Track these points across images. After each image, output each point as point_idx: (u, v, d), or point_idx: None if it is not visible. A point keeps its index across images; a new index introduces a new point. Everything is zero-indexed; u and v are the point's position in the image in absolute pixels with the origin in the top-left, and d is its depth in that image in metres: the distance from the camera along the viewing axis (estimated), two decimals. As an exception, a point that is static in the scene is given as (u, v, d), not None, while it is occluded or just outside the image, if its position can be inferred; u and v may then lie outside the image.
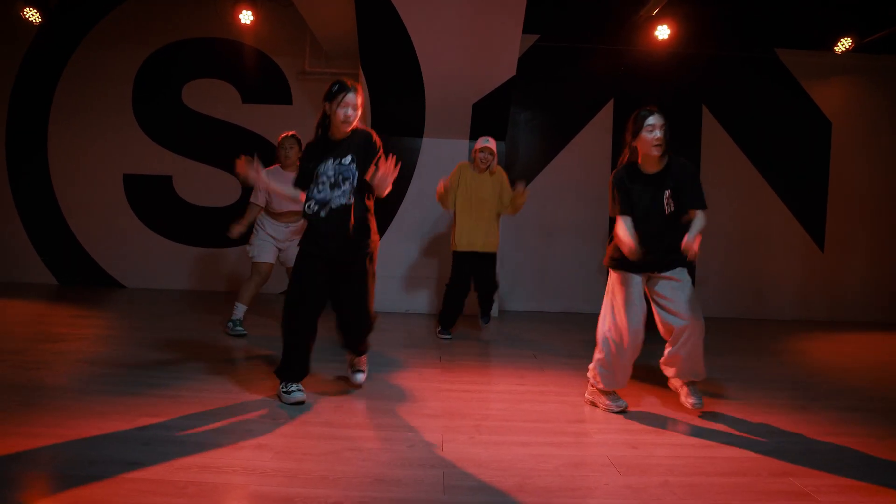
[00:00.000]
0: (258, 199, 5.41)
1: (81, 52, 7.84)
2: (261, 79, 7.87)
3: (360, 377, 3.95)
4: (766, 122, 7.51)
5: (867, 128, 7.60)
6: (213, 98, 7.84)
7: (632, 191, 3.52)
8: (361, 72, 6.44)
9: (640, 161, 3.55)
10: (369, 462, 2.74)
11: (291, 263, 5.60)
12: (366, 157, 3.54)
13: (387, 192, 3.50)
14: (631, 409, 3.72)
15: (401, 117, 6.78)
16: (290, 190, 3.71)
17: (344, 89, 3.55)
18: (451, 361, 4.75)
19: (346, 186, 3.53)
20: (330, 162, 3.54)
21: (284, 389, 3.55)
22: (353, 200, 3.54)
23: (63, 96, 7.86)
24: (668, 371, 3.75)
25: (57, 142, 7.89)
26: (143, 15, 7.81)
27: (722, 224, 7.53)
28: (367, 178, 3.48)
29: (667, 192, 3.48)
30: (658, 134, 3.42)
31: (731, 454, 3.04)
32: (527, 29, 6.96)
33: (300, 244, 3.69)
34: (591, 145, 7.52)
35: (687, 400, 3.65)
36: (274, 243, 5.48)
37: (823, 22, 7.05)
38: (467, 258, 5.55)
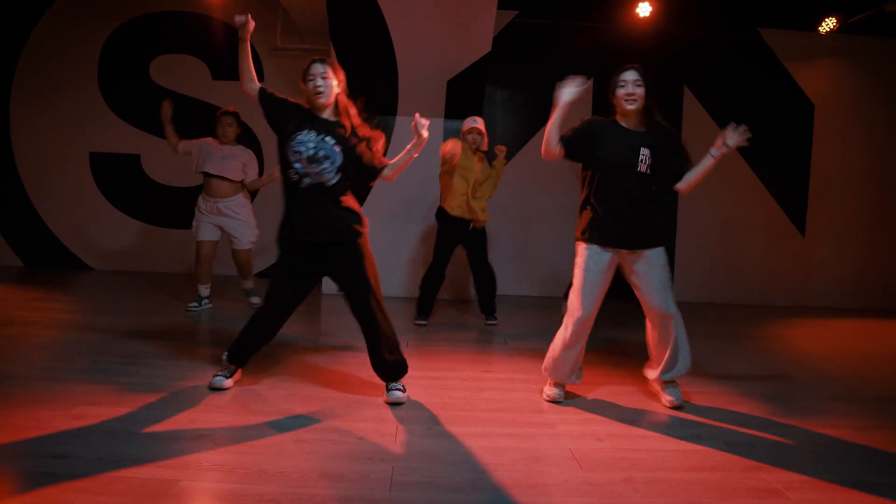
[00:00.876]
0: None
1: (44, 26, 7.54)
2: (231, 55, 7.53)
3: (397, 395, 3.34)
4: (748, 104, 7.34)
5: (851, 110, 7.46)
6: (182, 74, 7.57)
7: (601, 137, 3.39)
8: (332, 48, 6.21)
9: (618, 118, 3.45)
10: (314, 455, 2.58)
11: (240, 244, 5.48)
12: (347, 140, 3.27)
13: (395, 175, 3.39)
14: (599, 398, 3.58)
15: (374, 95, 6.54)
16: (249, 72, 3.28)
17: (311, 62, 3.32)
18: (418, 347, 4.59)
19: (326, 165, 3.23)
20: (311, 134, 3.20)
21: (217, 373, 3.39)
22: (333, 182, 3.25)
23: (25, 71, 7.56)
24: (646, 371, 3.65)
25: (19, 119, 7.60)
26: (108, -13, 7.52)
27: (701, 207, 7.39)
28: (371, 159, 3.30)
29: (644, 150, 3.32)
30: (630, 89, 3.33)
31: (700, 448, 2.89)
32: (505, 5, 6.75)
33: (279, 228, 3.35)
34: (570, 125, 7.32)
35: (667, 398, 3.50)
36: (209, 219, 5.46)
37: (808, 1, 6.88)
38: (459, 226, 5.31)
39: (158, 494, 2.17)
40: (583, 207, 3.48)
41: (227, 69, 7.60)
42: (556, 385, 3.55)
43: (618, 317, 5.77)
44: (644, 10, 6.73)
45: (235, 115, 5.53)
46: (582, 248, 3.44)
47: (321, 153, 3.19)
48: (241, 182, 5.52)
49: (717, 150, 3.33)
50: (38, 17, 7.52)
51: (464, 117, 6.11)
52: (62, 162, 7.63)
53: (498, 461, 2.63)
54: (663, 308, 3.37)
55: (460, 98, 6.45)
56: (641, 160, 3.33)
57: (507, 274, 7.36)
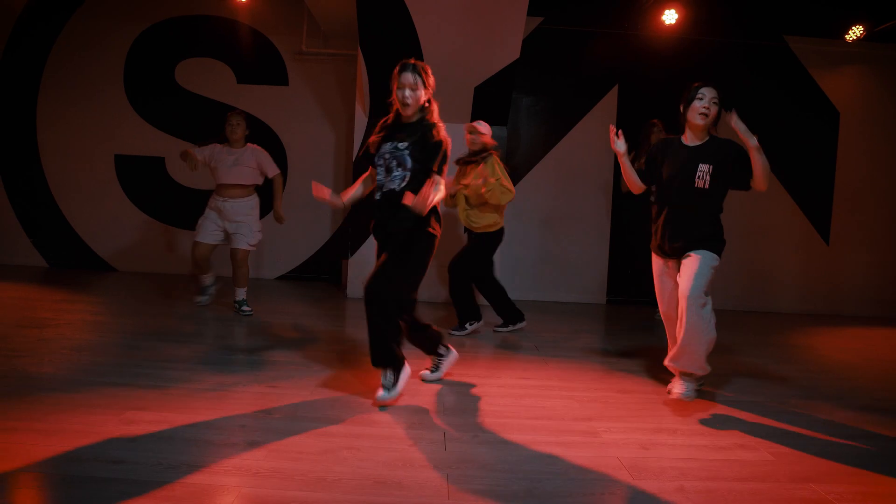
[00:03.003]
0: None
1: (71, 27, 7.60)
2: (256, 59, 7.65)
3: (426, 374, 3.85)
4: (773, 111, 7.33)
5: (876, 118, 7.44)
6: (207, 78, 7.62)
7: (664, 158, 3.69)
8: (360, 52, 6.24)
9: (684, 135, 3.69)
10: (368, 462, 2.59)
11: (238, 243, 5.49)
12: (423, 149, 3.34)
13: (426, 211, 3.29)
14: (641, 405, 3.58)
15: (400, 100, 6.58)
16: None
17: (402, 68, 3.35)
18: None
19: (398, 172, 3.34)
20: (388, 144, 3.39)
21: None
22: (403, 188, 3.33)
23: (53, 73, 7.62)
24: (668, 361, 3.75)
25: (46, 120, 7.66)
26: (136, -11, 7.57)
27: (724, 215, 7.36)
28: (406, 199, 3.26)
29: (702, 166, 3.51)
30: (706, 103, 3.53)
31: (746, 457, 2.90)
32: (531, 11, 6.75)
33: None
34: (594, 132, 7.33)
35: (674, 387, 3.62)
36: (217, 219, 5.50)
37: (835, 9, 6.87)
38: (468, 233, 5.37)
39: (223, 501, 2.19)
40: (653, 220, 3.74)
41: (251, 73, 7.64)
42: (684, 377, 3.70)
43: (649, 322, 5.78)
44: (670, 17, 6.74)
45: (243, 114, 5.57)
46: (652, 256, 3.79)
47: (394, 162, 3.38)
48: (261, 182, 5.60)
49: (748, 141, 3.41)
50: (65, 19, 7.58)
51: (491, 124, 6.14)
52: (87, 163, 7.68)
53: (549, 469, 2.64)
54: (685, 290, 3.52)
55: (487, 104, 6.47)
56: (699, 176, 3.50)
57: (533, 279, 7.37)
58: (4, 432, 2.66)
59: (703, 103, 3.51)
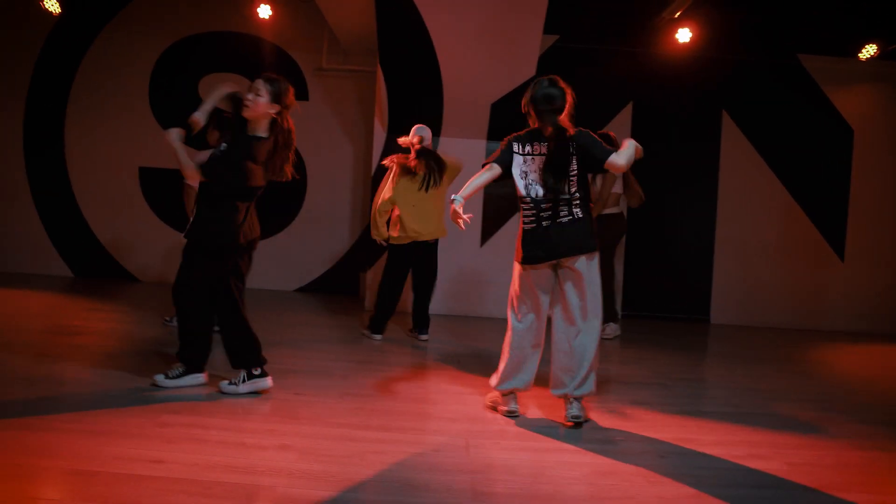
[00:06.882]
0: None
1: (99, 44, 7.81)
2: (278, 74, 7.81)
3: None
4: (787, 129, 7.41)
5: (891, 136, 7.48)
6: (229, 93, 7.79)
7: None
8: (380, 69, 6.40)
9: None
10: (396, 466, 2.70)
11: None
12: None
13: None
14: (654, 414, 3.67)
15: (418, 116, 6.71)
16: None
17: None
18: (468, 364, 4.69)
19: None
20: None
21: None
22: None
23: (80, 88, 7.82)
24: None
25: (74, 133, 7.86)
26: (161, 7, 7.76)
27: (740, 231, 7.46)
28: None
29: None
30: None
31: (761, 466, 2.97)
32: (546, 29, 6.88)
33: None
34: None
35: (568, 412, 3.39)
36: None
37: (848, 28, 6.96)
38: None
39: (261, 499, 2.30)
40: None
41: (273, 88, 7.80)
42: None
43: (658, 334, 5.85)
44: (684, 35, 6.84)
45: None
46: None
47: None
48: None
49: None
50: (95, 34, 7.80)
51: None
52: (113, 175, 7.87)
53: (570, 475, 2.73)
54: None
55: (503, 120, 6.59)
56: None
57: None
58: (50, 432, 2.79)
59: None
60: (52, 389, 3.42)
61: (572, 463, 2.87)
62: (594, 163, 3.44)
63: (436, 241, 5.36)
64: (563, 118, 3.44)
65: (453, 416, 3.44)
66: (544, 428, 3.34)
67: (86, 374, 3.75)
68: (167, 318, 5.21)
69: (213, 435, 2.91)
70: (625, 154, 3.35)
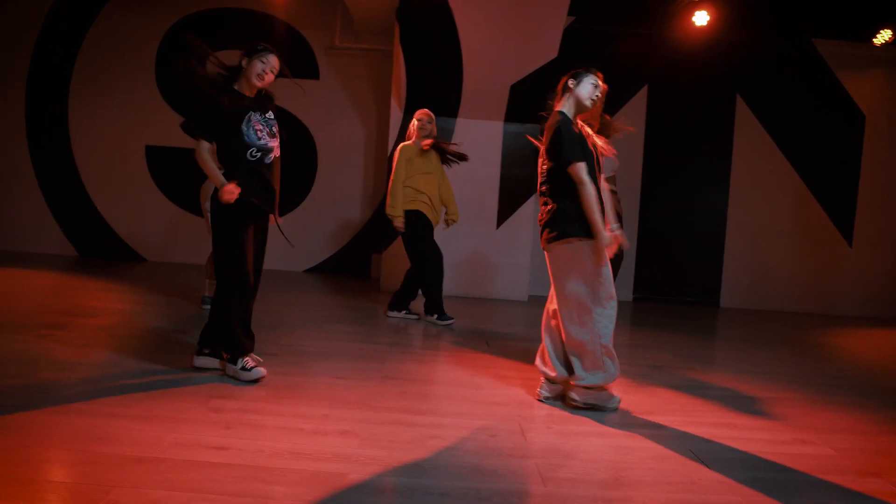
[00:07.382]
0: None
1: (103, 19, 7.65)
2: (288, 52, 7.68)
3: None
4: (800, 113, 7.46)
5: (902, 122, 7.57)
6: (238, 70, 7.67)
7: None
8: (399, 47, 6.32)
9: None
10: (458, 451, 2.70)
11: None
12: None
13: None
14: (691, 399, 3.70)
15: (436, 97, 6.66)
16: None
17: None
18: (497, 346, 4.70)
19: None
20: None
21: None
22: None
23: (84, 65, 7.67)
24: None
25: (78, 111, 7.72)
26: (168, -18, 7.63)
27: (751, 215, 7.51)
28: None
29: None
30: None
31: (808, 451, 3.02)
32: (564, 11, 6.85)
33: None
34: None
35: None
36: None
37: (864, 12, 6.98)
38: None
39: (335, 484, 2.29)
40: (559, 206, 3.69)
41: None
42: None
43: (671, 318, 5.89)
44: (701, 18, 6.83)
45: None
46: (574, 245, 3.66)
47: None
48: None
49: None
50: (97, 10, 7.63)
51: (524, 122, 6.25)
52: (119, 154, 7.75)
53: (627, 459, 2.75)
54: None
55: (521, 102, 6.56)
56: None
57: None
58: (104, 417, 2.76)
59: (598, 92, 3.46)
60: (93, 374, 3.37)
61: (626, 447, 2.89)
62: None
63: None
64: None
65: (500, 401, 3.45)
66: (587, 412, 3.35)
67: (116, 358, 3.70)
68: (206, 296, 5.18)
69: (269, 420, 2.89)
70: None
